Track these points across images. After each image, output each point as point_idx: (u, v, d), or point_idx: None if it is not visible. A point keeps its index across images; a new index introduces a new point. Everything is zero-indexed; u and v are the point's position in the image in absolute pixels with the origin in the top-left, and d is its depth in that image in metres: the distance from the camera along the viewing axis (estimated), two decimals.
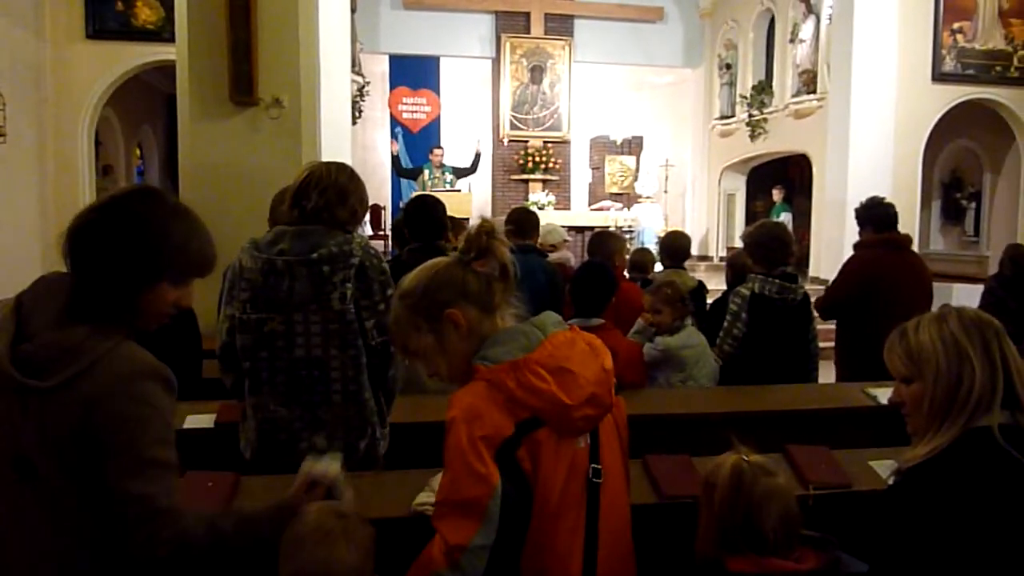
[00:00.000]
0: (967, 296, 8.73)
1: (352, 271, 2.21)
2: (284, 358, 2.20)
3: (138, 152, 13.16)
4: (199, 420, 2.67)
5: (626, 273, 4.82)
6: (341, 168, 2.32)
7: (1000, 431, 1.41)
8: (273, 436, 2.22)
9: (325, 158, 5.54)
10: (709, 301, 4.94)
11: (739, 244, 12.05)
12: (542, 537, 1.39)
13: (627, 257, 5.15)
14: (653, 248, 10.08)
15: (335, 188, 2.25)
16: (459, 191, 11.02)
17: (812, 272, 10.51)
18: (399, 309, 1.52)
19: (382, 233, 12.04)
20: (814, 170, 11.05)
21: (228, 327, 2.23)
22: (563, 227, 6.56)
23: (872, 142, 9.63)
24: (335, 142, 7.99)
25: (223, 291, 2.96)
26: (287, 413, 2.21)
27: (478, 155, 11.08)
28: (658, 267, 5.44)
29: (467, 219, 9.51)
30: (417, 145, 13.36)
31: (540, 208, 12.06)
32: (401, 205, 12.20)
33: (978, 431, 1.43)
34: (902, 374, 1.54)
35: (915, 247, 4.43)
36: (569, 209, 13.30)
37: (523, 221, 4.32)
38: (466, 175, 10.98)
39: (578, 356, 1.45)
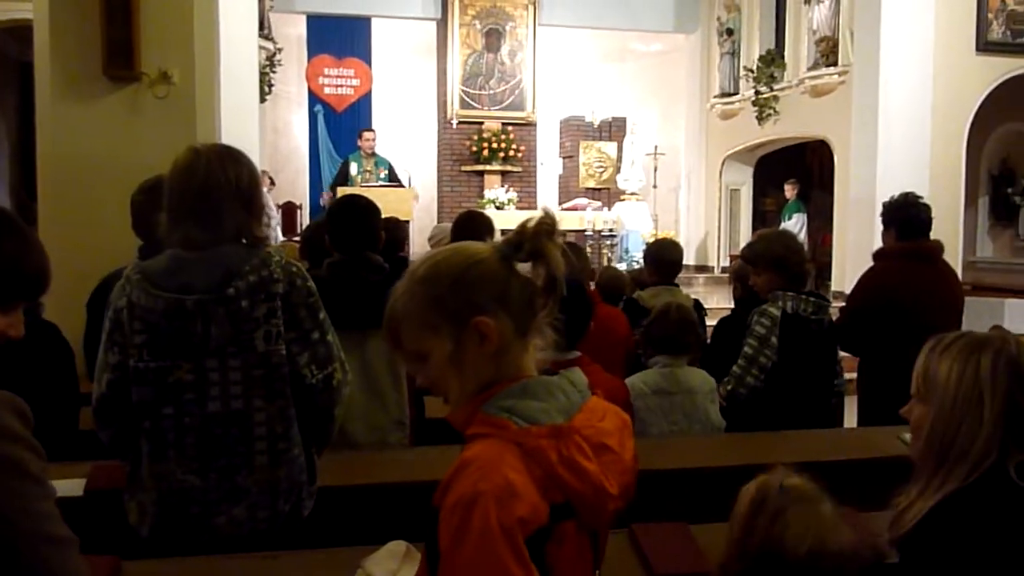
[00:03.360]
0: (1022, 313, 8.96)
1: (277, 301, 2.20)
2: (195, 414, 2.18)
3: None
4: (65, 486, 2.60)
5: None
6: (225, 156, 2.23)
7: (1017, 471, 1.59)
8: (182, 510, 2.20)
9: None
10: (710, 323, 5.00)
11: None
12: None
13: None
14: (639, 257, 10.18)
15: (234, 195, 2.18)
16: (399, 186, 10.95)
17: (835, 286, 10.65)
18: (415, 298, 1.37)
19: (296, 239, 11.89)
20: (835, 160, 11.26)
21: (111, 378, 2.21)
22: None
23: (905, 126, 9.82)
24: (239, 126, 7.92)
25: (90, 330, 2.93)
26: (200, 482, 2.19)
27: None
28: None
29: (408, 221, 9.49)
30: (343, 128, 13.28)
31: (498, 208, 12.10)
32: (322, 203, 12.11)
33: (991, 472, 1.59)
34: (917, 388, 1.71)
35: (959, 254, 4.54)
36: (535, 208, 13.35)
37: (470, 227, 4.30)
38: None
39: (614, 432, 1.40)
